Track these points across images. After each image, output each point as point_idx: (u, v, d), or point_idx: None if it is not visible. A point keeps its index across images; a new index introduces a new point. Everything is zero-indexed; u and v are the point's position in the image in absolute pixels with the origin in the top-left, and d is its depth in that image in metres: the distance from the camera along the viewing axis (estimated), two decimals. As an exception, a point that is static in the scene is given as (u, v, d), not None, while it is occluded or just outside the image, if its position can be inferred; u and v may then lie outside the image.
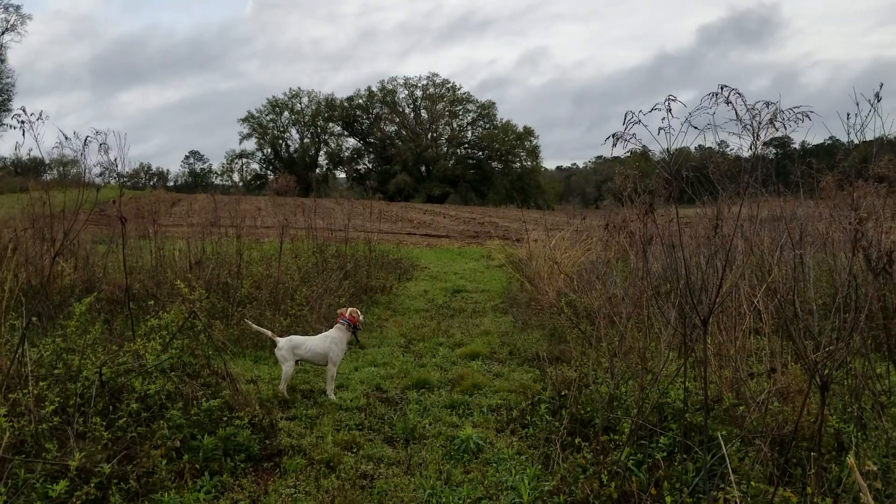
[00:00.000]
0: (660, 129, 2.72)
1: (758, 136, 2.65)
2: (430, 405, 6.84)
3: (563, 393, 5.77)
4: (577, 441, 5.02)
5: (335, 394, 7.10)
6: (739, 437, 4.20)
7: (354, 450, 5.65)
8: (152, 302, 7.12)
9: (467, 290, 15.53)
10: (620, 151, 2.86)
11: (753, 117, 2.63)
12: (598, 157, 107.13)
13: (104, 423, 4.86)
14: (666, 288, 5.90)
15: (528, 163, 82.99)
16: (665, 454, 4.54)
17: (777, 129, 2.63)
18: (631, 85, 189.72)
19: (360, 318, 7.50)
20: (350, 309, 7.49)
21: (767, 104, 2.62)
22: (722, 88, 2.59)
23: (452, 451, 5.50)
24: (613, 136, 2.82)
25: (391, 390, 7.44)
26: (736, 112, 2.60)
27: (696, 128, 2.73)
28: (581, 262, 12.38)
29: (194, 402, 5.56)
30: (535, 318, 10.76)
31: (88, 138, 5.56)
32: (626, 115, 2.79)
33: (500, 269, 19.34)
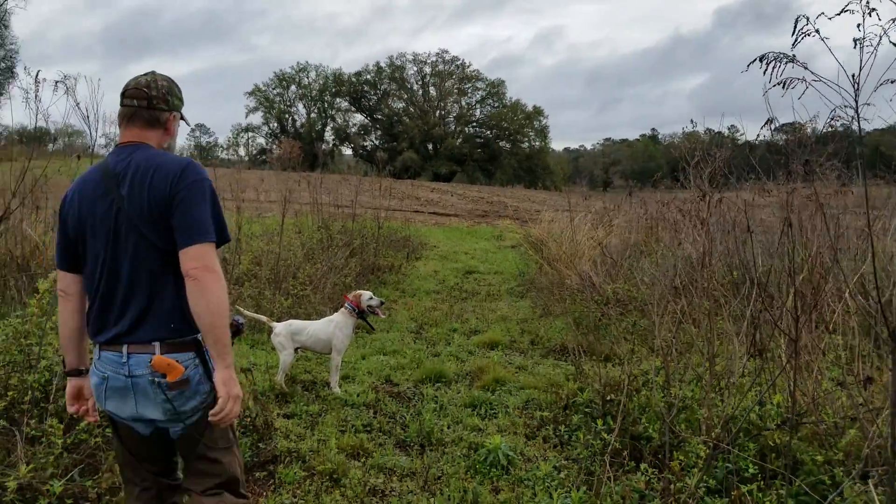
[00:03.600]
0: (855, 40, 1.86)
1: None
2: (447, 403, 6.01)
3: (608, 398, 4.90)
4: (640, 465, 4.16)
5: (340, 386, 6.28)
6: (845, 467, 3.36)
7: (362, 458, 4.83)
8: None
9: (480, 272, 14.71)
10: (775, 80, 1.99)
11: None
12: (607, 139, 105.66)
13: (63, 426, 4.03)
14: (733, 276, 5.02)
15: (537, 143, 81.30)
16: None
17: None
18: (643, 67, 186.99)
19: (373, 301, 6.54)
20: (354, 292, 6.63)
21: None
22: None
23: (477, 464, 4.65)
24: (762, 58, 1.95)
25: (403, 383, 6.62)
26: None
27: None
28: (605, 244, 11.48)
29: (176, 397, 4.72)
30: (557, 305, 9.89)
31: (54, 82, 4.66)
32: (796, 21, 1.91)
33: (512, 250, 18.50)
